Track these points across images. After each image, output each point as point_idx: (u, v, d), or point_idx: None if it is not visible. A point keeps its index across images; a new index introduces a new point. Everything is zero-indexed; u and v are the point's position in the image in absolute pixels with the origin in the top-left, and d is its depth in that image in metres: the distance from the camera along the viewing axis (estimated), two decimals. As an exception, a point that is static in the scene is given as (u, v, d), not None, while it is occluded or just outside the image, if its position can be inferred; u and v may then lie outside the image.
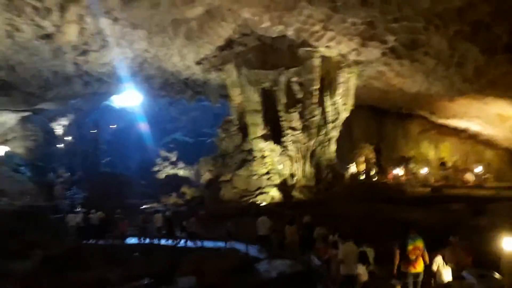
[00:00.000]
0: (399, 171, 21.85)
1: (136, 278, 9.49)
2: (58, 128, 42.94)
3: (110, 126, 52.41)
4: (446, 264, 6.70)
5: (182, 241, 13.81)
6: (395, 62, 16.72)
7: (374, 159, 25.94)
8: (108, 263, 12.12)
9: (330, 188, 17.87)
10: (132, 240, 14.90)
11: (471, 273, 5.05)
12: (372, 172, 23.05)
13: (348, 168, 23.94)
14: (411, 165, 22.85)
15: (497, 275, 4.94)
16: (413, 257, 6.55)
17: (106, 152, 44.38)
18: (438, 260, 6.71)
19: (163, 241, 14.14)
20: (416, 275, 6.65)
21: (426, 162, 22.79)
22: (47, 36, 18.80)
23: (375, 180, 20.73)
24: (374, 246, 7.86)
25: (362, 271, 6.98)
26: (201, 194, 21.05)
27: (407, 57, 16.04)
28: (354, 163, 25.03)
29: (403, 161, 23.73)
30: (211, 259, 8.87)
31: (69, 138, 42.32)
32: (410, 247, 6.59)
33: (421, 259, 6.64)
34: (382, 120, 26.43)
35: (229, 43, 20.07)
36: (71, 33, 19.06)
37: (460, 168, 18.39)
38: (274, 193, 18.32)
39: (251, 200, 18.18)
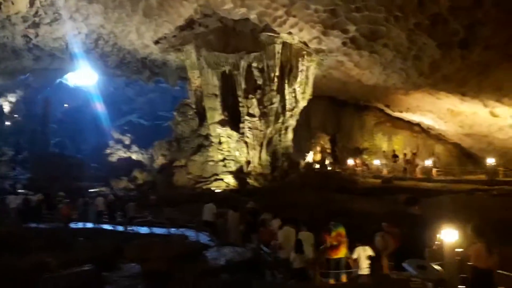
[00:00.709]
0: (352, 162, 22.14)
1: (77, 263, 8.91)
2: (6, 104, 40.58)
3: (65, 105, 50.12)
4: (374, 251, 6.89)
5: (122, 227, 13.26)
6: (354, 52, 16.77)
7: (329, 149, 26.21)
8: (49, 247, 11.44)
9: (286, 176, 17.80)
10: (77, 224, 14.16)
11: (410, 263, 5.05)
12: (327, 162, 23.23)
13: (305, 156, 24.04)
14: (365, 156, 23.24)
15: (437, 267, 4.94)
16: (335, 243, 6.74)
17: (56, 132, 42.31)
18: (359, 249, 6.85)
19: (106, 226, 13.50)
20: (337, 260, 6.84)
21: (379, 153, 23.25)
22: None
23: (330, 170, 20.89)
24: (314, 231, 7.66)
25: (293, 258, 6.91)
26: (154, 179, 20.41)
27: (367, 48, 16.13)
28: (311, 152, 25.16)
29: (357, 152, 24.10)
30: (157, 245, 8.45)
31: (17, 115, 40.10)
32: (333, 234, 6.79)
33: (343, 245, 6.84)
34: (340, 111, 26.70)
35: (189, 24, 19.48)
36: (20, 2, 17.90)
37: (410, 160, 18.86)
38: (229, 180, 18.03)
39: (205, 187, 17.80)
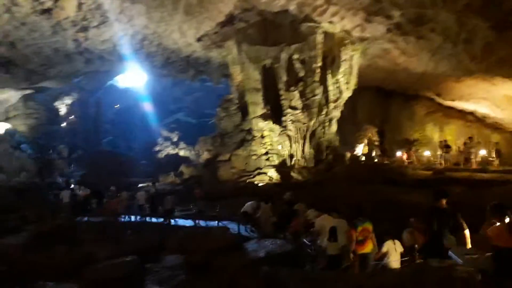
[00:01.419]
0: (400, 154, 21.26)
1: (123, 254, 9.14)
2: (62, 107, 42.93)
3: (115, 106, 52.31)
4: (403, 245, 6.70)
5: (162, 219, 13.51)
6: (400, 39, 16.07)
7: (377, 142, 25.38)
8: (99, 240, 11.89)
9: (330, 169, 17.40)
10: (125, 218, 14.63)
11: (456, 252, 4.69)
12: (374, 154, 22.48)
13: (355, 149, 23.42)
14: (415, 148, 22.25)
15: (484, 255, 4.59)
16: (361, 238, 6.62)
17: (108, 131, 44.26)
18: (388, 243, 6.69)
19: (153, 219, 13.83)
20: (364, 255, 6.67)
21: (430, 144, 22.18)
22: (46, 11, 18.64)
23: (377, 162, 20.18)
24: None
25: (326, 245, 6.88)
26: (199, 173, 20.69)
27: (413, 34, 15.40)
28: (361, 144, 24.43)
29: (407, 143, 23.13)
30: (197, 238, 8.49)
31: (72, 117, 42.27)
32: (359, 229, 6.64)
33: (370, 241, 6.70)
34: (387, 101, 25.74)
35: (230, 19, 19.47)
36: (69, 7, 18.69)
37: (465, 150, 17.78)
38: (272, 174, 17.89)
39: (248, 181, 17.77)
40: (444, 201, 5.62)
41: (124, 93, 51.97)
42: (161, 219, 13.45)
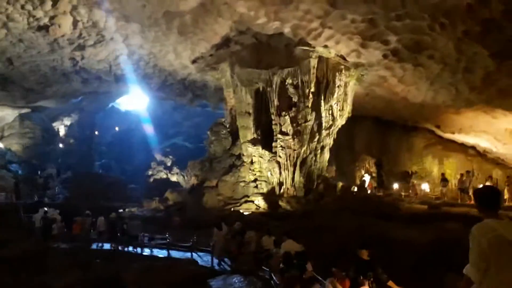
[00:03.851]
0: (397, 186, 20.32)
1: (79, 285, 8.24)
2: (61, 127, 42.58)
3: (116, 129, 52.04)
4: None
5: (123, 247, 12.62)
6: (397, 66, 15.46)
7: (375, 173, 24.50)
8: (64, 267, 10.96)
9: (321, 200, 16.44)
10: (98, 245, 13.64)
11: None
12: (368, 185, 21.52)
13: (362, 179, 22.46)
14: (413, 181, 21.32)
15: None
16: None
17: (105, 153, 43.70)
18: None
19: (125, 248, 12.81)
20: None
21: (429, 178, 21.28)
22: (42, 28, 18.58)
23: (369, 194, 19.23)
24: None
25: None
26: (183, 199, 19.74)
27: (410, 61, 14.79)
28: (367, 175, 23.45)
29: (405, 176, 22.23)
30: (159, 272, 7.55)
31: (69, 138, 41.81)
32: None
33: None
34: (386, 132, 25.03)
35: (225, 42, 19.13)
36: (65, 25, 18.46)
37: (463, 186, 16.88)
38: (260, 202, 16.94)
39: (233, 209, 16.80)
40: (365, 252, 5.51)
41: (124, 116, 51.91)
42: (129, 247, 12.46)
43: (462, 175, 17.74)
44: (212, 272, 8.54)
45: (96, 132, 45.21)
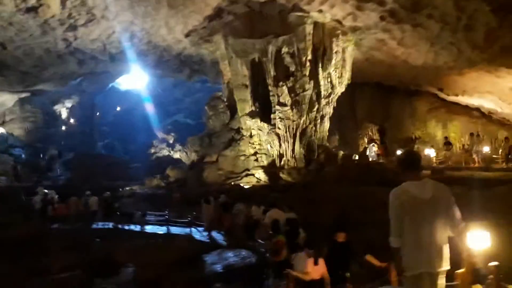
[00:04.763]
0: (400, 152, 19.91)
1: (69, 268, 8.15)
2: (63, 110, 42.52)
3: (117, 108, 51.88)
4: None
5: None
6: (395, 27, 14.88)
7: (378, 140, 24.14)
8: (65, 249, 10.92)
9: (322, 170, 16.18)
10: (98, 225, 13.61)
11: None
12: (374, 153, 21.14)
13: (367, 148, 22.02)
14: (417, 146, 20.93)
15: None
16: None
17: (107, 134, 43.62)
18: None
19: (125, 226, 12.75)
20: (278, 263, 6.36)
21: (433, 142, 20.88)
22: (31, 10, 18.16)
23: (371, 161, 18.92)
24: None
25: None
26: (185, 176, 19.59)
27: (409, 21, 14.20)
28: (374, 144, 22.93)
29: (408, 141, 21.84)
30: (149, 250, 7.43)
31: (72, 120, 41.78)
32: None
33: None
34: (388, 98, 24.49)
35: (218, 13, 18.50)
36: (54, 5, 18.03)
37: (468, 148, 16.50)
38: (260, 175, 16.74)
39: (233, 183, 16.63)
40: (342, 235, 5.37)
41: (125, 95, 51.61)
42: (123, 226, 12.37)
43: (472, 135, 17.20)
44: (208, 247, 8.42)
45: (98, 113, 45.08)
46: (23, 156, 28.82)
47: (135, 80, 45.91)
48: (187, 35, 21.11)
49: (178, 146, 32.90)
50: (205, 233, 10.22)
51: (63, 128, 38.91)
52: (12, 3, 17.23)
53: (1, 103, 33.54)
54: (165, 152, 31.95)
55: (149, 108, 45.45)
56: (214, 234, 9.87)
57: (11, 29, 20.06)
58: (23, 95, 32.44)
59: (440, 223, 2.89)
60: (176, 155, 31.45)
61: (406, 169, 3.10)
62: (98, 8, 19.04)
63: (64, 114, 41.94)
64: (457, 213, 2.93)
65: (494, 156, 15.94)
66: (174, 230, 11.41)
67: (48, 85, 32.30)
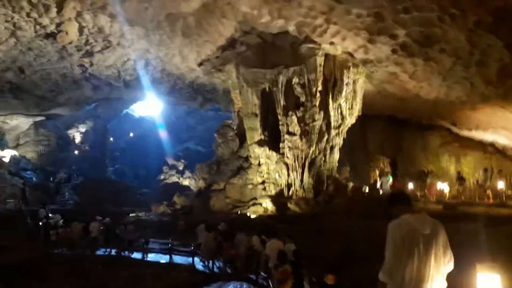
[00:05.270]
0: (412, 186, 19.48)
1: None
2: (77, 135, 43.14)
3: (130, 134, 52.48)
4: None
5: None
6: (407, 61, 14.81)
7: (390, 173, 23.73)
8: (65, 275, 10.72)
9: (331, 201, 15.87)
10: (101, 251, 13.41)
11: None
12: (382, 184, 20.57)
13: (382, 182, 21.22)
14: (429, 180, 20.48)
15: None
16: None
17: (118, 159, 43.94)
18: None
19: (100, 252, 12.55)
20: None
21: (446, 177, 20.44)
22: (50, 36, 18.70)
23: (381, 194, 18.45)
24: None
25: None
26: (191, 203, 19.41)
27: (421, 55, 14.13)
28: (389, 177, 22.11)
29: (421, 175, 21.42)
30: (148, 280, 7.19)
31: (84, 145, 42.27)
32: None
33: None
34: (400, 131, 24.27)
35: (231, 43, 18.88)
36: (72, 31, 18.52)
37: (482, 183, 16.08)
38: (268, 205, 16.47)
39: (240, 212, 16.38)
40: (331, 277, 5.38)
41: (138, 122, 52.33)
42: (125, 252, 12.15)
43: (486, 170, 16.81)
44: (209, 278, 8.15)
45: (111, 139, 45.57)
46: (34, 179, 29.01)
47: (150, 107, 46.77)
48: (200, 64, 21.45)
49: (187, 173, 32.95)
50: (205, 263, 9.99)
51: (76, 152, 39.30)
52: (32, 29, 17.74)
53: (16, 126, 34.15)
54: (174, 178, 31.94)
55: (162, 134, 45.89)
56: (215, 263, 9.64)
57: (30, 54, 20.61)
58: (38, 118, 32.99)
59: (437, 258, 2.89)
60: (185, 182, 31.44)
61: (397, 203, 3.15)
62: (114, 35, 19.50)
63: (77, 138, 42.54)
64: (450, 252, 2.98)
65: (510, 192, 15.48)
66: (177, 259, 11.18)
67: (63, 110, 32.89)
